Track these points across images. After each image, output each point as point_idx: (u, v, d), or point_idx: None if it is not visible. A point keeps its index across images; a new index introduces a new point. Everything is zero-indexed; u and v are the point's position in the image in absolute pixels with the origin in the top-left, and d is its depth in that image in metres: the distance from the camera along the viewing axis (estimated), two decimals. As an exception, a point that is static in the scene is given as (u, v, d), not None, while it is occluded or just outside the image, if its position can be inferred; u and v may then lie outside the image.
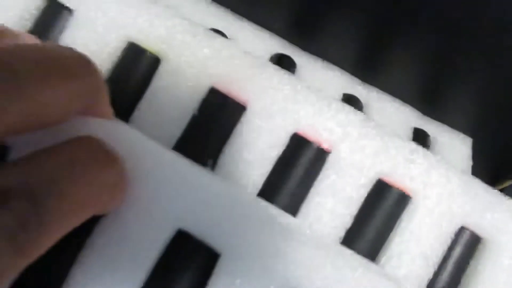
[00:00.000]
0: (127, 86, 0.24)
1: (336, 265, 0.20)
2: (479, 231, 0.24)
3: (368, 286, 0.20)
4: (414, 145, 0.24)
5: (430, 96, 0.34)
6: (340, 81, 0.33)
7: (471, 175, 0.24)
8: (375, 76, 0.34)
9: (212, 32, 0.25)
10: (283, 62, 0.32)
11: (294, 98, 0.24)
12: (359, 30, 0.32)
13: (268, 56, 0.33)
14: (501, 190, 0.26)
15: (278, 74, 0.24)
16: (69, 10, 0.24)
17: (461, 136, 0.33)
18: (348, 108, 0.24)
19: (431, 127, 0.33)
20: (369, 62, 0.34)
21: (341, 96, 0.33)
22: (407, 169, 0.24)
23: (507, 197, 0.24)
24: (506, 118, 0.32)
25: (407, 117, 0.33)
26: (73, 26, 0.24)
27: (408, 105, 0.34)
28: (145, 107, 0.24)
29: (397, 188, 0.24)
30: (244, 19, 0.33)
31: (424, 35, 0.30)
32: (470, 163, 0.33)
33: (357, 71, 0.34)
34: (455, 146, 0.33)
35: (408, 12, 0.29)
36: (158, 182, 0.21)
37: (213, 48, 0.24)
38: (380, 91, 0.34)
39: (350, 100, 0.32)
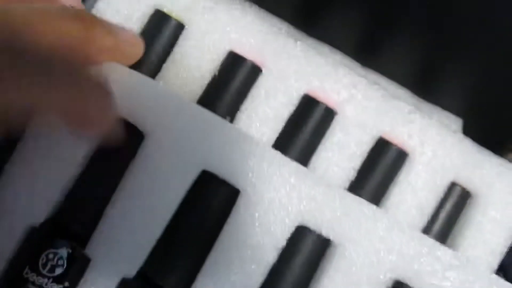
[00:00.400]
0: (154, 49, 0.26)
1: (345, 201, 0.22)
2: (469, 185, 0.26)
3: (372, 218, 0.22)
4: (412, 107, 0.27)
5: (424, 79, 0.36)
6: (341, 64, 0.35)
7: (463, 135, 0.27)
8: (373, 60, 0.36)
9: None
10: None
11: (305, 62, 0.26)
12: (359, 18, 0.34)
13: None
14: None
15: (292, 40, 0.26)
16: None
17: (452, 117, 0.35)
18: (353, 73, 0.27)
19: (424, 108, 0.36)
20: (369, 48, 0.36)
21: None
22: (406, 128, 0.26)
23: (496, 155, 0.26)
24: (494, 100, 0.34)
25: (402, 98, 0.36)
26: (107, -7, 0.27)
27: (403, 87, 0.36)
28: (170, 68, 0.26)
29: (396, 145, 0.26)
30: (253, 5, 0.36)
31: (419, 22, 0.32)
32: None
33: (357, 56, 0.36)
34: (446, 126, 0.35)
35: (404, 1, 0.31)
36: (183, 128, 0.23)
37: (232, 15, 0.27)
38: (378, 74, 0.36)
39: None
